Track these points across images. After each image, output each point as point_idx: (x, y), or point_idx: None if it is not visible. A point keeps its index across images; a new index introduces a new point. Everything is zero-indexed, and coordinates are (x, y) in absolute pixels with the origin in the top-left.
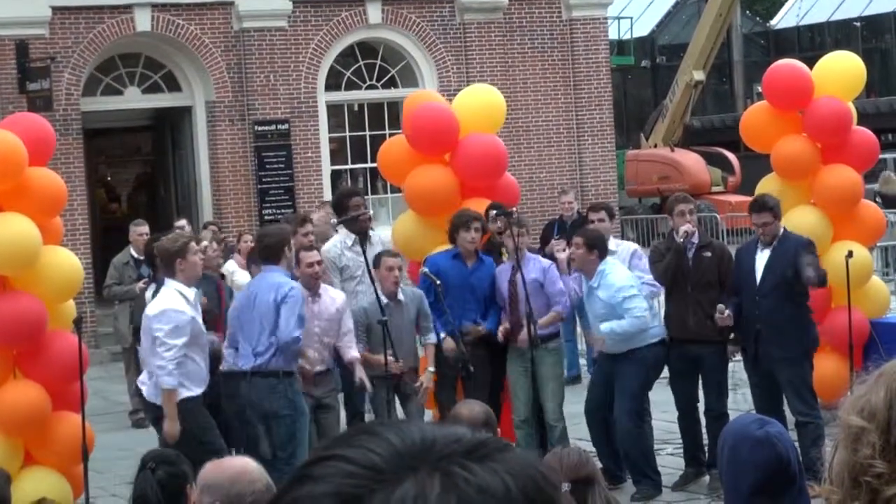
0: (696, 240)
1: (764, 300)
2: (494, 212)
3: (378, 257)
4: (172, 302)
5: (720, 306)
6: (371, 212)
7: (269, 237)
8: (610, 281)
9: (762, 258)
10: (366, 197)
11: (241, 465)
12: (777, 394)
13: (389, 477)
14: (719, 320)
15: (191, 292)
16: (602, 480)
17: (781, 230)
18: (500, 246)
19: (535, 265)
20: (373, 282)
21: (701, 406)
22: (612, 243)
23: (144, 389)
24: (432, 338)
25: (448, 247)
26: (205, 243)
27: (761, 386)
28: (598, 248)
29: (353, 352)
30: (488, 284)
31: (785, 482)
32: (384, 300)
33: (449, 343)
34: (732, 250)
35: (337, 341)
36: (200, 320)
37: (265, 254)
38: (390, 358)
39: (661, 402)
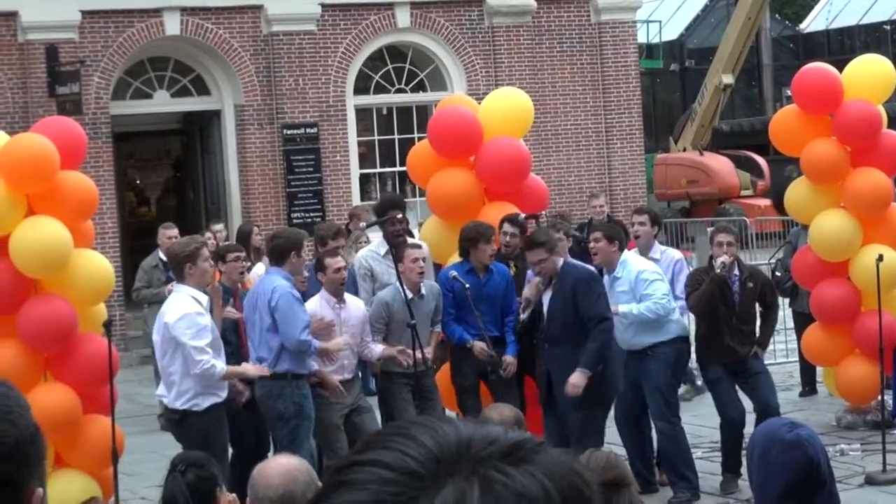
0: (737, 272)
1: (551, 348)
2: (523, 216)
3: (401, 250)
4: (190, 306)
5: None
6: (410, 226)
7: (278, 239)
8: (631, 267)
9: (546, 298)
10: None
11: (287, 466)
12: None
13: (428, 483)
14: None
15: (203, 297)
16: (634, 484)
17: (559, 264)
18: (512, 258)
19: None
20: (400, 280)
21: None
22: (657, 250)
23: (165, 400)
24: (438, 328)
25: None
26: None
27: (553, 431)
28: (618, 239)
29: (377, 347)
30: (503, 292)
31: (815, 485)
32: (409, 295)
33: (478, 346)
34: (761, 253)
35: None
36: (216, 326)
37: (272, 255)
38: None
39: (690, 406)
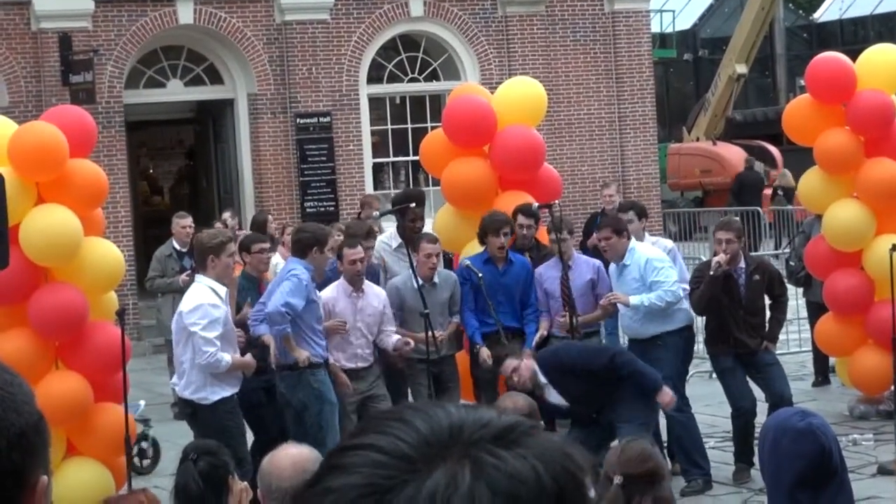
0: (743, 265)
1: (601, 415)
2: (536, 205)
3: (417, 241)
4: (205, 297)
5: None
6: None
7: (303, 233)
8: (639, 255)
9: (556, 396)
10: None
11: (298, 456)
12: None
13: (420, 466)
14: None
15: (222, 289)
16: (668, 477)
17: (532, 365)
18: (527, 249)
19: (588, 265)
20: (412, 267)
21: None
22: (648, 242)
23: (177, 389)
24: (456, 318)
25: (479, 248)
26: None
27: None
28: (625, 230)
29: (392, 338)
30: (521, 283)
31: (827, 474)
32: (420, 282)
33: (483, 354)
34: (772, 244)
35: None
36: (231, 318)
37: (295, 247)
38: (433, 347)
39: (703, 395)
